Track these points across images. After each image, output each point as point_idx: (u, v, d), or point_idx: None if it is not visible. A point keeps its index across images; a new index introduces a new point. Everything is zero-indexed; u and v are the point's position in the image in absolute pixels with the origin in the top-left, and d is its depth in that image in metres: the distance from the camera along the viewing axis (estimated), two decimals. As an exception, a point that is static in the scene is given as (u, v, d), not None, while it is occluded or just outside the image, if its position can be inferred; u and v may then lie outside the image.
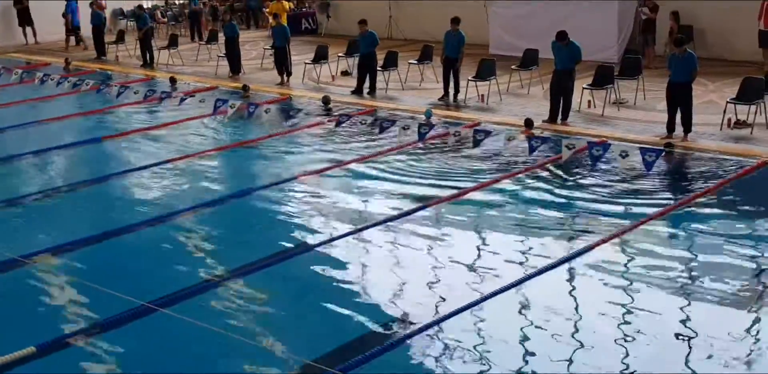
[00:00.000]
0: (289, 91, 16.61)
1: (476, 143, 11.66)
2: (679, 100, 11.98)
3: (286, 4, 21.19)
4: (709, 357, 6.50)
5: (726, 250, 8.42)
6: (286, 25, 18.20)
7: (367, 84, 15.88)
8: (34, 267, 8.43)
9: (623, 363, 6.44)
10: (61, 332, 7.11)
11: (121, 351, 6.85)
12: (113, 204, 10.62)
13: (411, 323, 7.15)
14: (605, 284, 7.87)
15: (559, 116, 13.19)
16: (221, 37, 19.09)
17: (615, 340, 6.78)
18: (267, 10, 22.70)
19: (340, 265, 8.47)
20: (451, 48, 14.74)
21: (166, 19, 25.06)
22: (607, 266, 8.18)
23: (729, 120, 12.45)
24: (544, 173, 11.02)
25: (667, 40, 15.69)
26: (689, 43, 13.65)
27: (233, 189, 10.89)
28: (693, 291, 7.67)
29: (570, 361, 6.52)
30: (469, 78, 15.07)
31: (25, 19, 23.38)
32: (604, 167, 10.95)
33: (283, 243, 9.02)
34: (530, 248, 8.67)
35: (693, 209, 9.54)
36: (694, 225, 9.14)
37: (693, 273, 8.03)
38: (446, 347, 6.78)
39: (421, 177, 11.05)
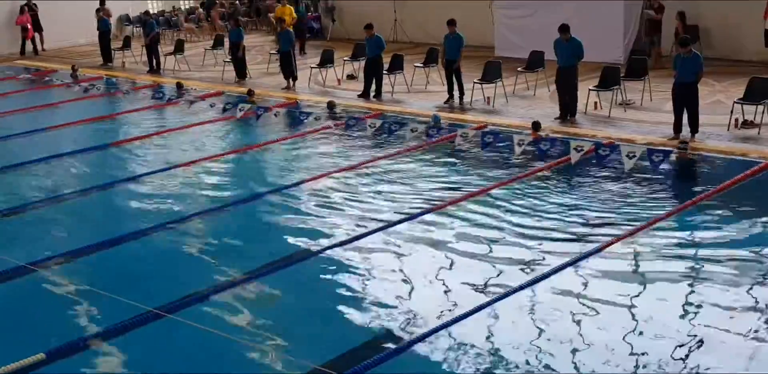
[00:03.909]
0: (295, 95, 16.64)
1: (483, 146, 11.67)
2: (686, 100, 11.97)
3: (292, 9, 21.18)
4: (715, 358, 6.49)
5: (733, 252, 8.38)
6: (291, 29, 18.25)
7: (373, 87, 15.91)
8: (43, 274, 8.46)
9: (630, 365, 6.43)
10: (69, 338, 7.13)
11: (129, 357, 6.87)
12: (120, 210, 10.65)
13: (417, 327, 7.15)
14: (612, 286, 7.83)
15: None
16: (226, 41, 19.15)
17: (622, 342, 6.77)
18: (272, 15, 22.74)
19: (347, 270, 8.47)
20: (451, 51, 14.79)
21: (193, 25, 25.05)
22: (614, 268, 8.16)
23: (736, 120, 12.41)
24: (552, 175, 11.00)
25: (674, 41, 15.67)
26: (695, 44, 13.62)
27: (239, 194, 10.91)
28: (700, 292, 7.64)
29: (577, 364, 6.51)
30: (475, 80, 15.08)
31: (34, 26, 23.46)
32: (611, 168, 10.91)
33: (290, 248, 9.03)
34: (537, 251, 8.65)
35: (700, 210, 9.50)
36: (701, 226, 9.11)
37: (700, 275, 7.99)
38: (453, 351, 6.77)
39: (427, 180, 11.05)
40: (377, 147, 12.70)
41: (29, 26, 23.09)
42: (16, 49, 23.54)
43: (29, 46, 23.44)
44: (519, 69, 15.69)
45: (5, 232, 9.99)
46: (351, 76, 17.80)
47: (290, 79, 17.31)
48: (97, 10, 21.79)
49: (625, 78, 14.21)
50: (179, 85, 17.59)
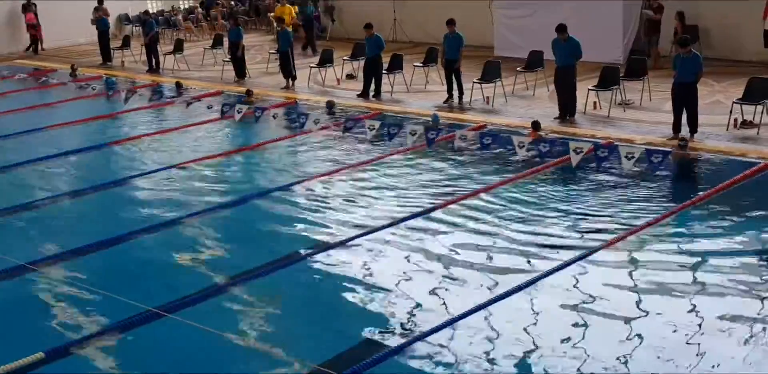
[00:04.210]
0: (295, 95, 16.64)
1: (482, 147, 11.66)
2: (685, 100, 11.97)
3: (291, 9, 21.18)
4: (713, 358, 6.49)
5: (732, 252, 8.39)
6: (290, 29, 18.25)
7: (372, 87, 15.91)
8: (42, 274, 8.46)
9: (627, 365, 6.43)
10: (69, 338, 7.14)
11: (128, 357, 6.87)
12: (120, 210, 10.64)
13: (416, 327, 7.15)
14: (609, 287, 7.83)
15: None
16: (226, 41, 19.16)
17: (621, 342, 6.77)
18: (272, 14, 22.74)
19: (346, 269, 8.47)
20: (451, 50, 14.80)
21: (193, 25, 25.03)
22: (612, 269, 8.17)
23: (735, 120, 12.42)
24: (551, 176, 11.00)
25: (673, 41, 15.68)
26: (694, 44, 13.64)
27: (239, 194, 10.90)
28: (699, 293, 7.64)
29: (574, 364, 6.51)
30: (474, 80, 15.08)
31: (33, 25, 23.49)
32: (610, 168, 10.91)
33: (289, 248, 9.02)
34: (536, 252, 8.64)
35: (699, 210, 9.51)
36: (700, 227, 9.11)
37: (698, 276, 7.99)
38: (452, 351, 6.77)
39: (427, 181, 11.05)
40: (376, 147, 12.69)
41: (36, 23, 23.16)
42: (15, 48, 23.57)
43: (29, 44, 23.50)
44: (518, 69, 15.70)
45: (4, 231, 9.99)
46: (350, 76, 17.80)
47: (289, 79, 17.31)
48: (96, 9, 21.79)
49: (624, 78, 14.22)
50: (178, 85, 17.58)
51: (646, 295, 7.61)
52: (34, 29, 23.33)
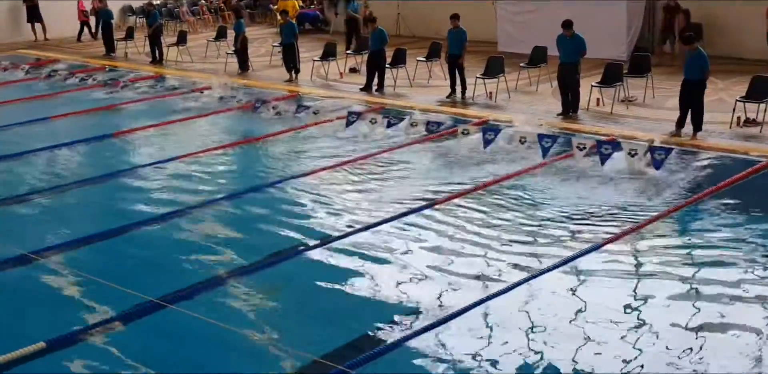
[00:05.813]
0: (297, 88, 16.62)
1: (482, 142, 11.68)
2: (690, 98, 11.95)
3: (295, 2, 21.17)
4: (712, 357, 6.50)
5: (734, 249, 8.39)
6: (294, 22, 18.24)
7: (375, 81, 15.90)
8: (45, 263, 8.47)
9: (626, 364, 6.44)
10: (70, 328, 7.14)
11: (130, 347, 6.87)
12: (122, 201, 10.62)
13: (417, 321, 7.16)
14: (609, 285, 7.83)
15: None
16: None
17: (618, 340, 6.78)
18: (275, 7, 22.73)
19: (347, 263, 8.47)
20: (454, 46, 14.79)
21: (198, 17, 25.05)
22: (611, 266, 8.16)
23: (738, 118, 12.42)
24: (551, 172, 10.99)
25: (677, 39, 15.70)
26: (700, 42, 13.62)
27: (240, 186, 10.90)
28: (698, 291, 7.65)
29: (573, 362, 6.52)
30: (478, 75, 15.07)
31: (34, 15, 23.49)
32: (612, 165, 10.90)
33: (291, 241, 9.03)
34: (534, 248, 8.65)
35: (702, 207, 9.51)
36: (702, 224, 9.13)
37: (699, 274, 7.99)
38: (452, 345, 6.78)
39: (426, 175, 11.05)
40: (376, 141, 12.67)
41: (84, 9, 23.39)
42: (18, 38, 23.54)
43: (39, 35, 23.52)
44: (521, 64, 15.68)
45: (6, 221, 10.00)
46: (353, 70, 17.79)
47: (292, 72, 17.30)
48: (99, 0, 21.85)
49: (627, 75, 14.21)
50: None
51: (647, 292, 7.61)
52: (85, 16, 23.40)
